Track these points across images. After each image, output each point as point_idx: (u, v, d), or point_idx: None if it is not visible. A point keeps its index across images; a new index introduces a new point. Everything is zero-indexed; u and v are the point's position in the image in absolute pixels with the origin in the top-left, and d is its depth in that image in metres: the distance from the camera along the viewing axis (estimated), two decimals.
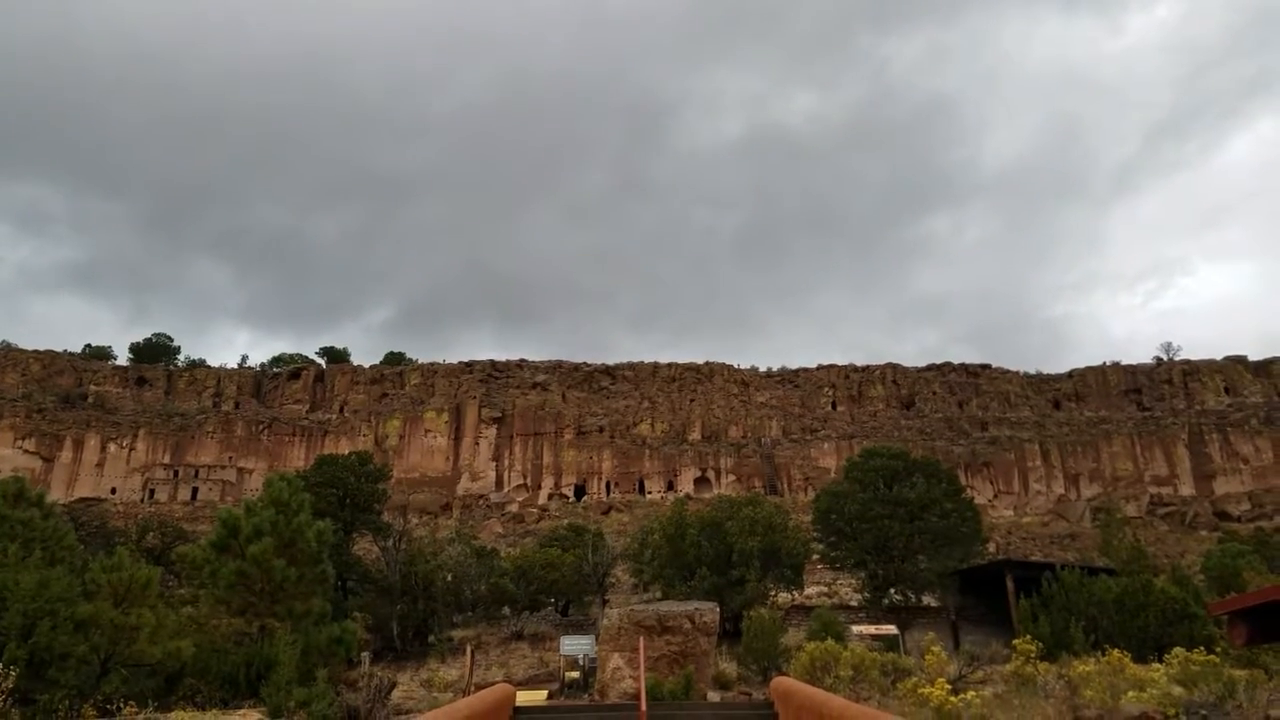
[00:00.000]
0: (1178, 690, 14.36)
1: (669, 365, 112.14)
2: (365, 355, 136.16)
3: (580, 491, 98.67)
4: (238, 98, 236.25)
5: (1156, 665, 18.84)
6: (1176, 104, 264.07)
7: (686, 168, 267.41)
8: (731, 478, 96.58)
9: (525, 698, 18.83)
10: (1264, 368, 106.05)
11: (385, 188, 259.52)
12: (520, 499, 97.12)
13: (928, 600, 40.81)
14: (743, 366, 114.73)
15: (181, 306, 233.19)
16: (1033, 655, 18.66)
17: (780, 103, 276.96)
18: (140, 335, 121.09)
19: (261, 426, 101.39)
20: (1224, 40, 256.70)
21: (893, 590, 40.05)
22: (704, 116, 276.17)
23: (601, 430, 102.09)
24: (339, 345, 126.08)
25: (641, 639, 19.09)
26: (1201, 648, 19.77)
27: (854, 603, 42.61)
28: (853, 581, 44.49)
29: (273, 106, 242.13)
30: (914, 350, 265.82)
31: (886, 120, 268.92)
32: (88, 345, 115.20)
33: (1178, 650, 19.06)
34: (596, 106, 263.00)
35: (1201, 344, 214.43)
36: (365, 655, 27.74)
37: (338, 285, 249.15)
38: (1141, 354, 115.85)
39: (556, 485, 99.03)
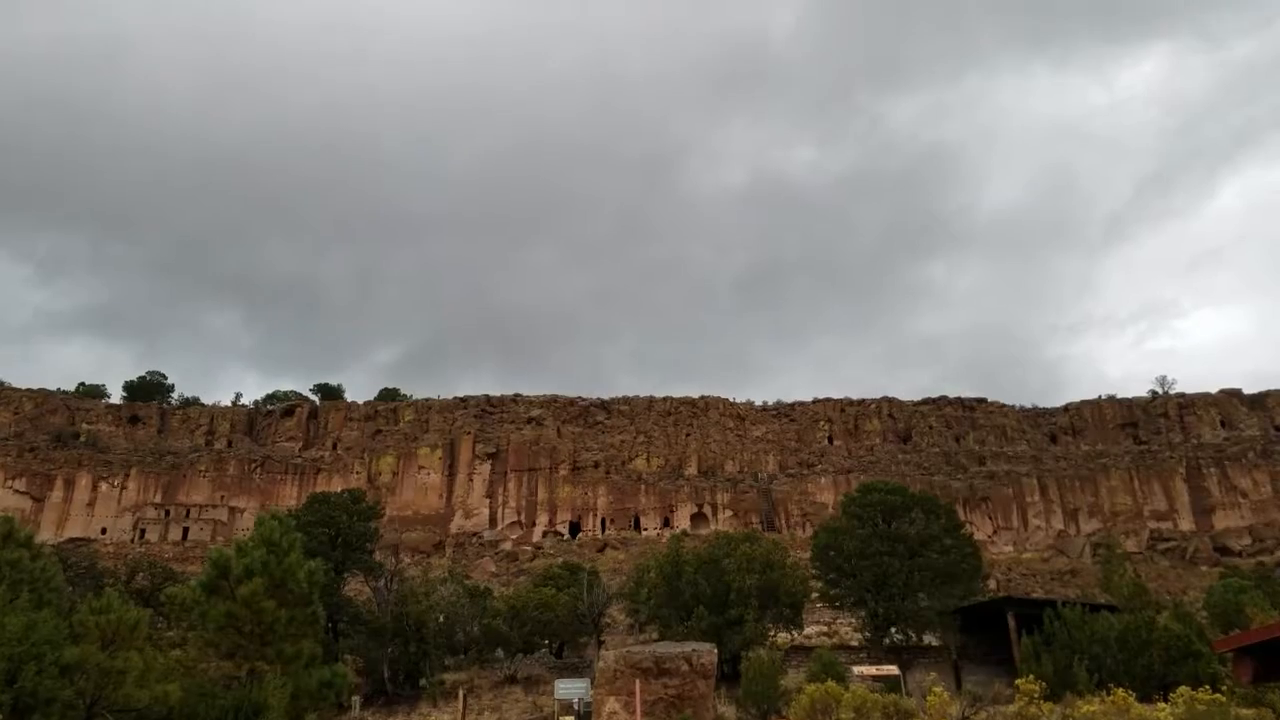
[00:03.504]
0: None
1: (664, 399, 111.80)
2: (362, 392, 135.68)
3: (575, 529, 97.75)
4: (258, 148, 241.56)
5: (1162, 704, 18.57)
6: (1167, 154, 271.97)
7: (689, 214, 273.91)
8: (728, 513, 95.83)
9: None
10: (1259, 401, 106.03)
11: (395, 232, 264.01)
12: (514, 537, 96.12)
13: (929, 639, 40.35)
14: (738, 401, 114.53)
15: (192, 349, 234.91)
16: (1036, 695, 18.37)
17: (782, 154, 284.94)
18: (153, 377, 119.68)
19: (254, 465, 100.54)
20: (1211, 94, 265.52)
21: (893, 629, 39.59)
22: (708, 167, 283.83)
23: (597, 465, 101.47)
24: (339, 383, 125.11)
25: (638, 682, 18.75)
26: (1207, 686, 19.51)
27: (854, 642, 42.11)
28: (853, 621, 43.98)
29: (290, 155, 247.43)
30: (909, 388, 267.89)
31: (885, 171, 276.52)
32: (81, 384, 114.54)
33: (1183, 689, 18.83)
34: (606, 159, 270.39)
35: (1194, 382, 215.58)
36: (356, 699, 27.17)
37: (344, 327, 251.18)
38: (1136, 391, 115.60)
39: (551, 522, 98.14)
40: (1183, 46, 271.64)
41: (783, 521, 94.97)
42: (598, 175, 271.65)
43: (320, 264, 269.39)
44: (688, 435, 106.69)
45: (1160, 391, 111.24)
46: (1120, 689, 19.07)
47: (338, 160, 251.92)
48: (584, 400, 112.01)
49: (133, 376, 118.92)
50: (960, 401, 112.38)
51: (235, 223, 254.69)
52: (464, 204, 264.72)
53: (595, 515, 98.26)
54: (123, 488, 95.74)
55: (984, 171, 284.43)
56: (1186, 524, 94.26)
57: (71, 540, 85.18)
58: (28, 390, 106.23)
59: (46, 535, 77.30)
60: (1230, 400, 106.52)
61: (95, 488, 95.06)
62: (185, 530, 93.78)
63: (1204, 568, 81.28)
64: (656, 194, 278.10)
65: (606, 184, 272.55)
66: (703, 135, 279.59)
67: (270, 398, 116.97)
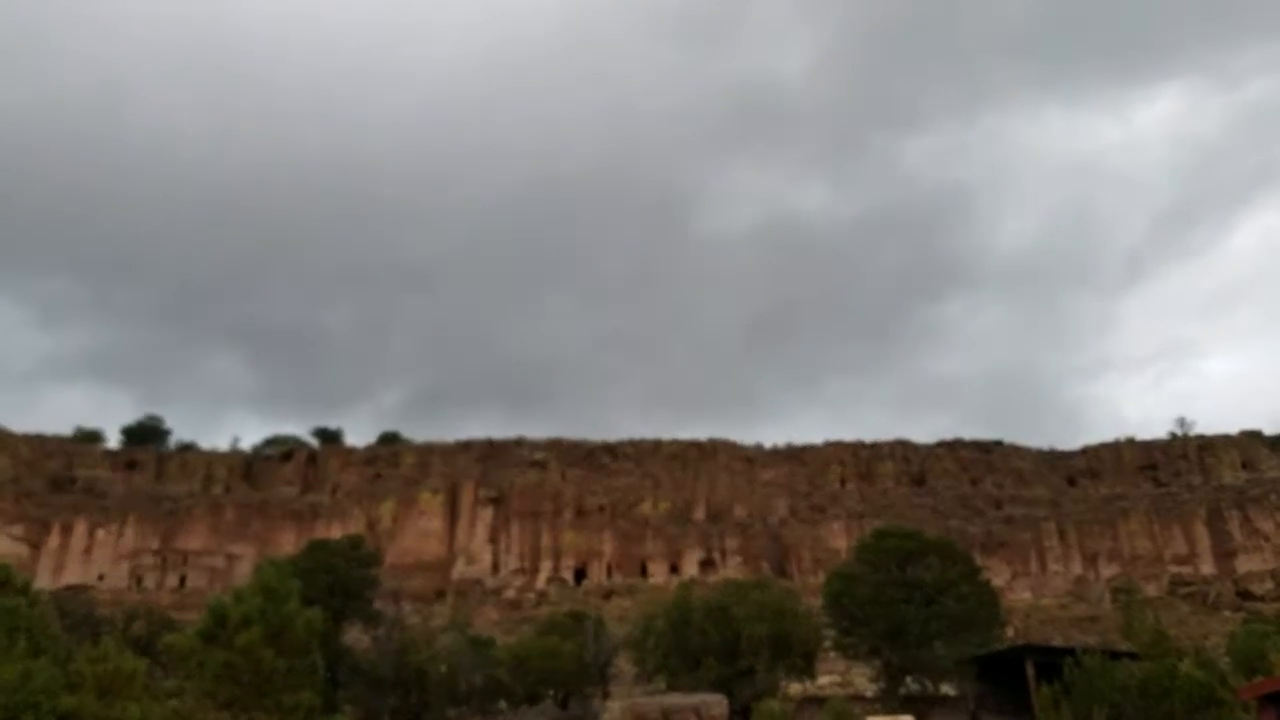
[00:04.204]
0: None
1: (671, 442, 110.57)
2: (364, 436, 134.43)
3: (580, 575, 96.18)
4: (263, 194, 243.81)
5: None
6: (1184, 192, 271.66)
7: (701, 257, 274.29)
8: (738, 559, 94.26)
9: None
10: None
11: (403, 275, 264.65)
12: (518, 583, 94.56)
13: (946, 689, 39.26)
14: (747, 443, 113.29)
15: (194, 393, 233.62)
16: None
17: (795, 195, 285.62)
18: (151, 422, 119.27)
19: (252, 510, 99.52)
20: (1227, 134, 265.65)
21: (909, 679, 38.59)
22: (720, 208, 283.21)
23: (602, 510, 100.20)
24: (339, 427, 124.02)
25: None
26: None
27: (869, 693, 40.99)
28: (867, 670, 42.86)
29: (298, 200, 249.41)
30: (924, 431, 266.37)
31: (899, 212, 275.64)
32: (78, 428, 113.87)
33: None
34: (616, 202, 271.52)
35: (1214, 423, 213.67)
36: None
37: (347, 371, 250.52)
38: (1155, 432, 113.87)
39: (555, 569, 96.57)
40: (1198, 85, 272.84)
41: (794, 568, 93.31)
42: (609, 219, 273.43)
43: (325, 309, 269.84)
44: (695, 479, 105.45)
45: (1180, 433, 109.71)
46: None
47: (344, 206, 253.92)
48: (589, 443, 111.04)
49: (133, 421, 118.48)
50: (976, 444, 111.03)
51: (239, 268, 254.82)
52: (471, 249, 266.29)
53: (601, 561, 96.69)
54: (120, 534, 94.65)
55: (999, 211, 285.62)
56: (1208, 568, 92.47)
57: (68, 587, 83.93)
58: (24, 435, 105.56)
59: (43, 582, 76.15)
60: (1251, 441, 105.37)
61: (92, 534, 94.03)
62: (183, 577, 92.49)
63: (1226, 613, 79.50)
64: (668, 237, 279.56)
65: (618, 228, 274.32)
66: (715, 178, 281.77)
67: (268, 442, 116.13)
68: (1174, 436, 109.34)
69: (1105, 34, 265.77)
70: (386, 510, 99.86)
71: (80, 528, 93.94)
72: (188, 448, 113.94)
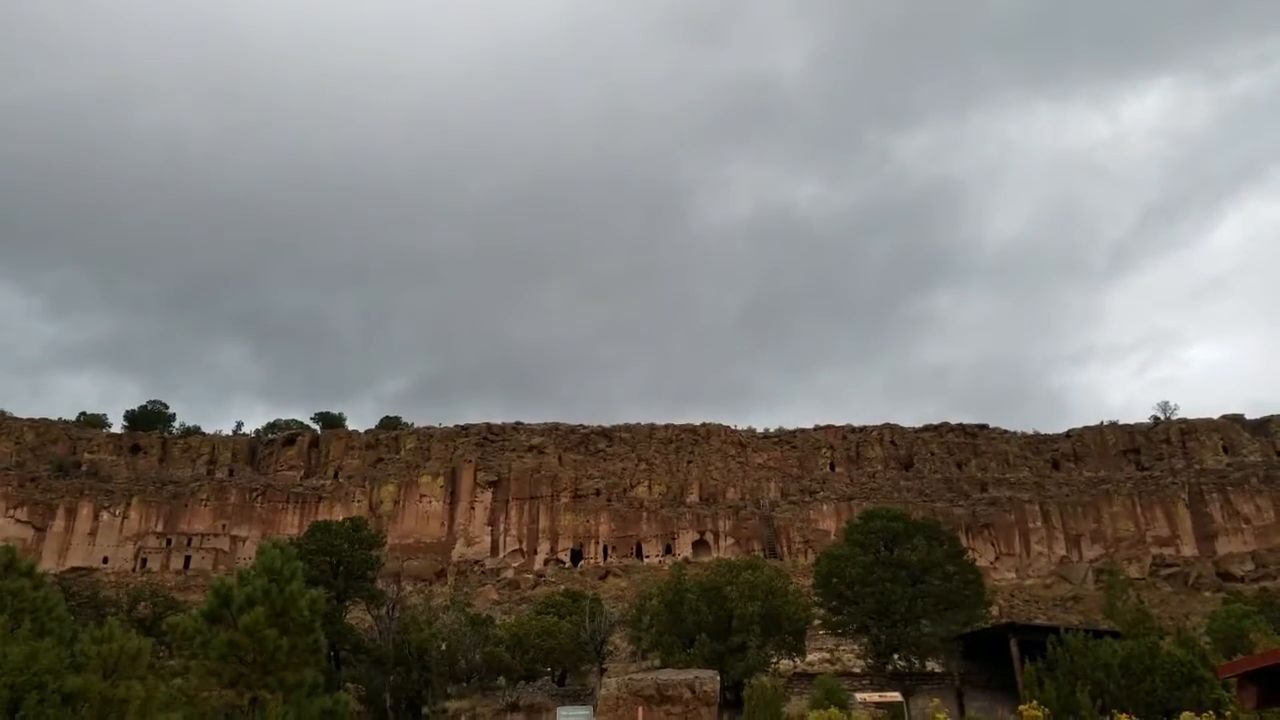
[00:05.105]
0: None
1: (665, 427, 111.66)
2: (366, 421, 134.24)
3: (577, 556, 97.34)
4: (270, 187, 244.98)
5: None
6: (1171, 186, 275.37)
7: (697, 248, 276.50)
8: (730, 540, 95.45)
9: None
10: (1262, 426, 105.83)
11: (405, 268, 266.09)
12: (516, 564, 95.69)
13: (932, 666, 40.23)
14: (739, 428, 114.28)
15: (200, 381, 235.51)
16: None
17: (789, 189, 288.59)
18: (154, 407, 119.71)
19: (255, 494, 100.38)
20: (1214, 128, 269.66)
21: (896, 656, 39.50)
22: (715, 201, 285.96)
23: (598, 493, 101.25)
24: (341, 412, 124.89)
25: (640, 709, 18.80)
26: (1211, 712, 19.57)
27: (857, 669, 42.03)
28: (855, 647, 43.86)
29: (302, 194, 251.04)
30: (913, 417, 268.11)
31: (891, 205, 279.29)
32: (82, 413, 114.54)
33: (1186, 715, 18.87)
34: (615, 196, 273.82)
35: (1197, 409, 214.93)
36: None
37: (352, 360, 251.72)
38: (1138, 418, 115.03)
39: (553, 550, 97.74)
40: (1186, 80, 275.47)
41: (785, 548, 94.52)
42: (608, 212, 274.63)
43: (329, 300, 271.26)
44: (689, 462, 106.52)
45: (1162, 417, 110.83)
46: (1123, 715, 19.15)
47: (349, 201, 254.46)
48: (585, 428, 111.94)
49: (136, 406, 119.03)
50: (962, 428, 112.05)
51: (247, 259, 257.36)
52: (474, 241, 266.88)
53: (597, 543, 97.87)
54: (124, 517, 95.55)
55: (989, 204, 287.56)
56: (1189, 549, 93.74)
57: (73, 569, 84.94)
58: (29, 420, 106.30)
59: (48, 565, 76.99)
60: (1232, 426, 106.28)
61: (97, 517, 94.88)
62: (187, 559, 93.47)
63: (1207, 593, 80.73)
64: (666, 229, 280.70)
65: (616, 220, 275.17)
66: (712, 172, 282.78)
67: (271, 426, 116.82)
68: (1156, 421, 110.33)
69: (1095, 31, 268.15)
70: (388, 493, 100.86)
71: (85, 511, 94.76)
72: (191, 432, 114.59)
